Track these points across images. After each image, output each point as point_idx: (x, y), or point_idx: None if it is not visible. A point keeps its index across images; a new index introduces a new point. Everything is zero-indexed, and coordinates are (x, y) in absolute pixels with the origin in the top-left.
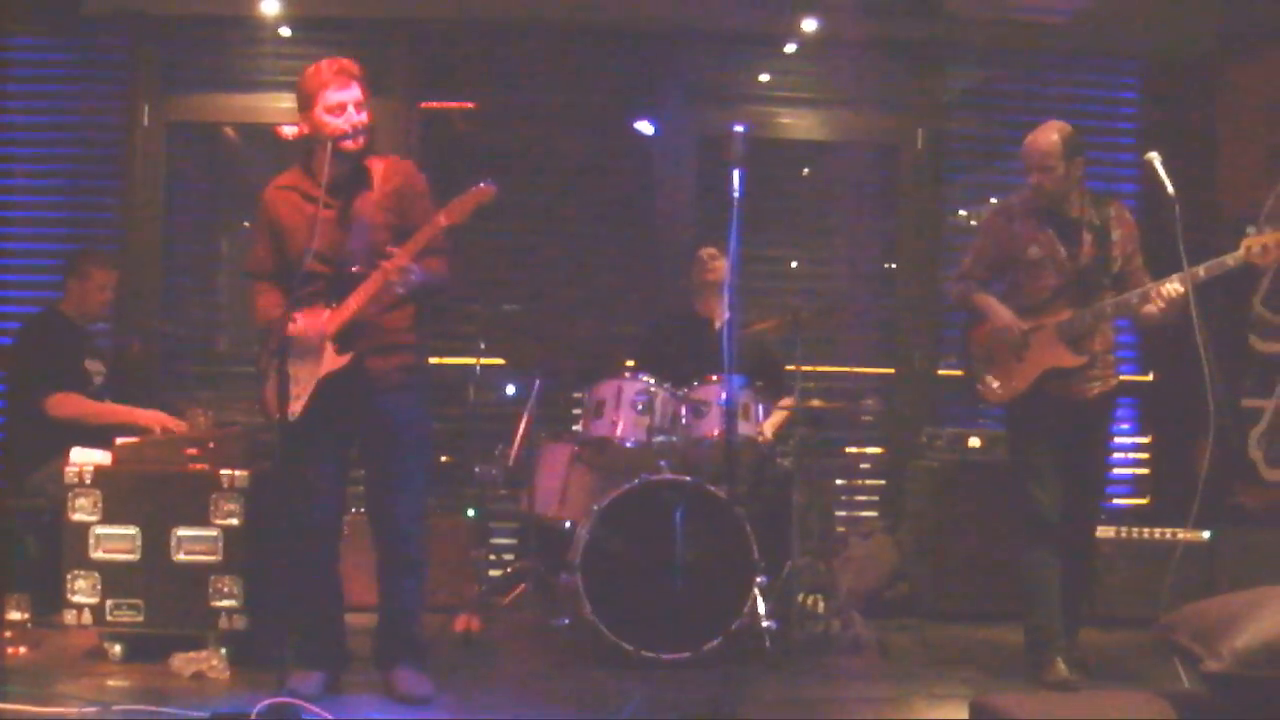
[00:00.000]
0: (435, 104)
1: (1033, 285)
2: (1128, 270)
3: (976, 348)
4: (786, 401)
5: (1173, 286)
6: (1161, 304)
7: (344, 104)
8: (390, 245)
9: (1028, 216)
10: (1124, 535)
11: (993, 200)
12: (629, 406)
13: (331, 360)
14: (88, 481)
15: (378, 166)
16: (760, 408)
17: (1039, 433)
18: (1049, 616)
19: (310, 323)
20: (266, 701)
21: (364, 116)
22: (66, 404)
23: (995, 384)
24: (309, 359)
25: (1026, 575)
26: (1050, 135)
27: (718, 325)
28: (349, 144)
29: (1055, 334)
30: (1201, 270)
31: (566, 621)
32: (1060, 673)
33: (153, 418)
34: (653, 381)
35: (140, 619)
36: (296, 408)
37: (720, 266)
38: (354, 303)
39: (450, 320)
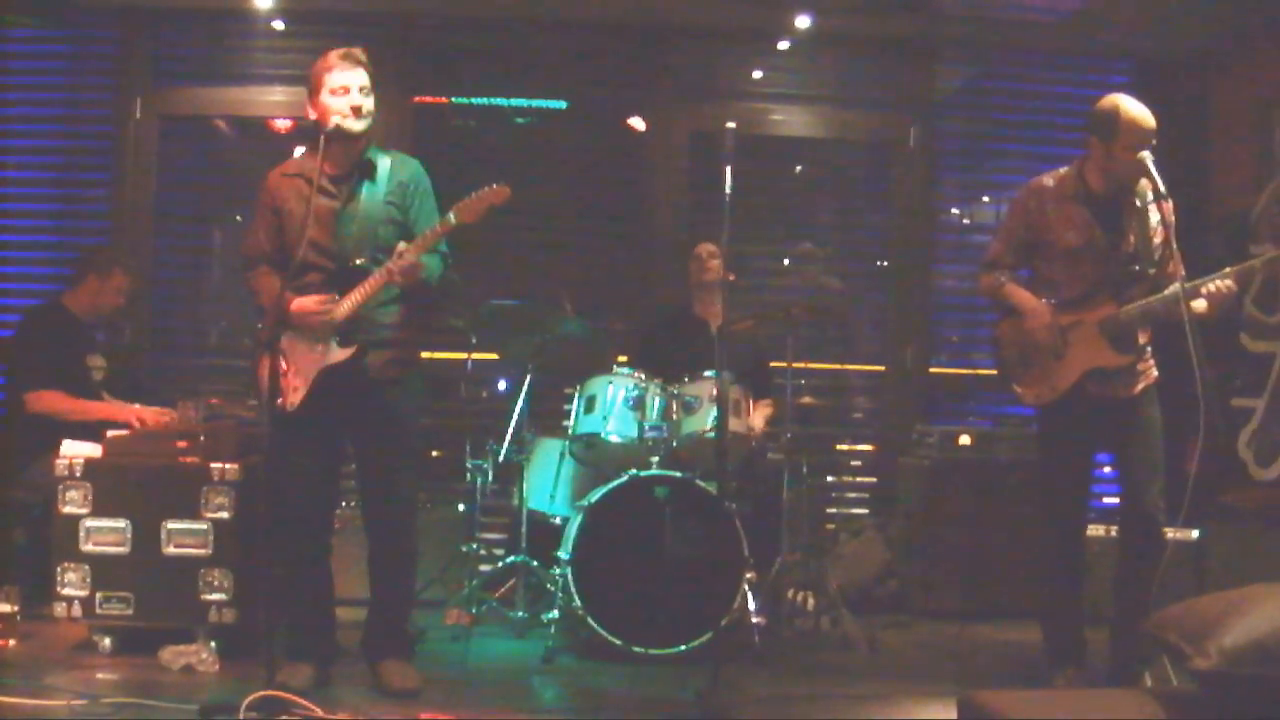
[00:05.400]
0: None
1: (1069, 276)
2: (1164, 257)
3: (1008, 347)
4: (767, 401)
5: (1225, 283)
6: (1212, 301)
7: (348, 86)
8: (392, 240)
9: (1063, 200)
10: (1113, 533)
11: (985, 198)
12: (620, 402)
13: (335, 353)
14: (78, 474)
15: (383, 160)
16: (750, 404)
17: (1074, 438)
18: (1066, 623)
19: (313, 312)
20: (256, 695)
21: (369, 102)
22: (44, 400)
23: (1031, 387)
24: (311, 350)
25: (1046, 582)
26: (1149, 112)
27: (715, 327)
28: (353, 125)
29: (1098, 331)
30: (1258, 264)
31: (556, 616)
32: (1067, 681)
33: (132, 414)
34: (644, 377)
35: (130, 612)
36: (296, 398)
37: (719, 265)
38: (359, 296)
39: (442, 315)
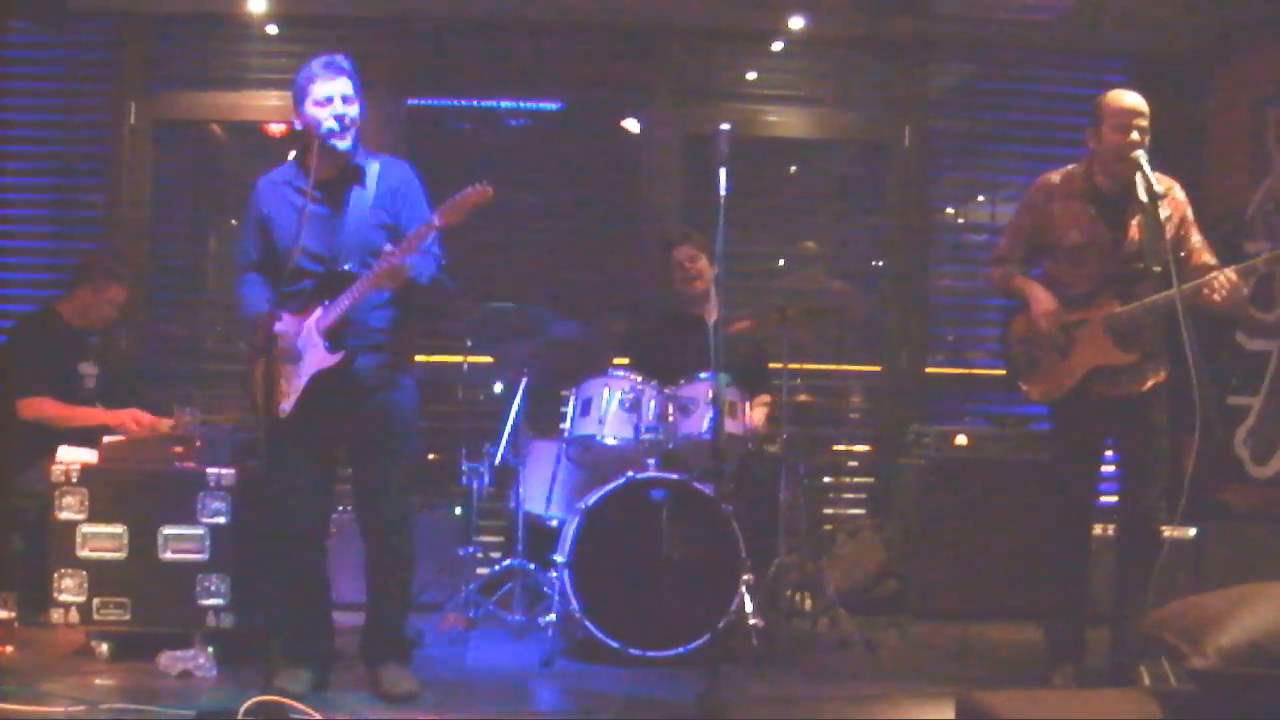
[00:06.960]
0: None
1: (1075, 274)
2: (1184, 251)
3: (1016, 344)
4: (764, 398)
5: (1227, 277)
6: (1220, 295)
7: (330, 96)
8: (383, 244)
9: (1069, 198)
10: (1111, 532)
11: (980, 198)
12: (616, 404)
13: (323, 358)
14: (74, 480)
15: (372, 165)
16: (746, 405)
17: (1084, 436)
18: (1068, 620)
19: (301, 320)
20: (253, 700)
21: (352, 110)
22: (36, 406)
23: (1038, 384)
24: (301, 357)
25: (1051, 579)
26: (1135, 93)
27: (712, 322)
28: (336, 137)
29: (1103, 329)
30: (1260, 262)
31: (554, 619)
32: (1065, 678)
33: (124, 417)
34: (640, 379)
35: (127, 617)
36: (287, 405)
37: (702, 268)
38: (346, 301)
39: (438, 319)
